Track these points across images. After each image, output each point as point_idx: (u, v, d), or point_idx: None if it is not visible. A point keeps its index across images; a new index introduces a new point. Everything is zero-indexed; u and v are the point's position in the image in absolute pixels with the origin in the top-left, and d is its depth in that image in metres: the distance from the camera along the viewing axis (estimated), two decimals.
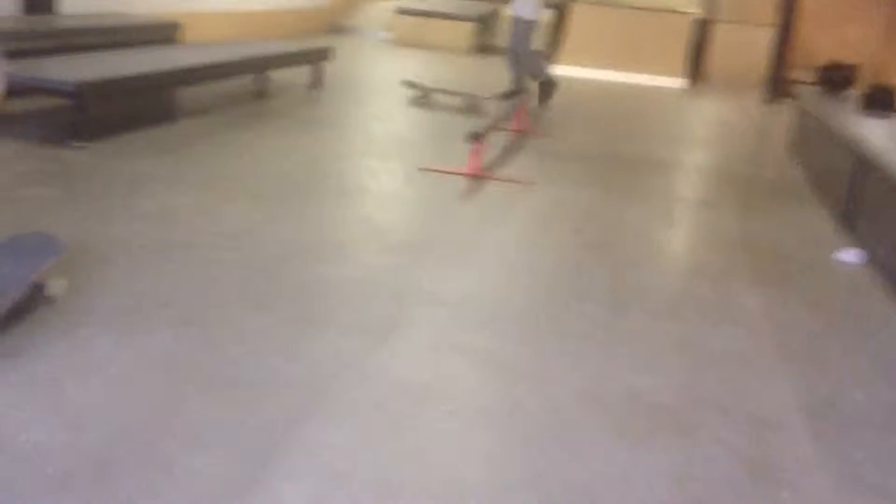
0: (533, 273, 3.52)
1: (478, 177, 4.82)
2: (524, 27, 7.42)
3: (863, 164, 4.27)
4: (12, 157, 4.17)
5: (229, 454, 2.01)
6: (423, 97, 7.33)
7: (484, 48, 11.93)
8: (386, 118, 6.63)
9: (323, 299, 3.01)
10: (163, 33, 7.14)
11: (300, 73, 7.51)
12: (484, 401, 2.42)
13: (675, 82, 10.28)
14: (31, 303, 2.49)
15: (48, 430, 2.03)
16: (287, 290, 3.05)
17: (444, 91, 7.33)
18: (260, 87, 7.12)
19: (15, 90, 4.73)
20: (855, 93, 6.33)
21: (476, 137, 4.85)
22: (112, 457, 1.95)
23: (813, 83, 6.93)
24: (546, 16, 11.85)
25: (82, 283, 2.90)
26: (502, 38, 12.34)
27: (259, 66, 6.91)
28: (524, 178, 4.89)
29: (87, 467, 1.90)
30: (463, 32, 11.71)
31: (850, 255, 3.99)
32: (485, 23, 12.36)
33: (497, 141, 5.68)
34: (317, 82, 7.53)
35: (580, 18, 11.34)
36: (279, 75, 7.33)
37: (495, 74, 10.26)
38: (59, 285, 2.64)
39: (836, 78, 6.64)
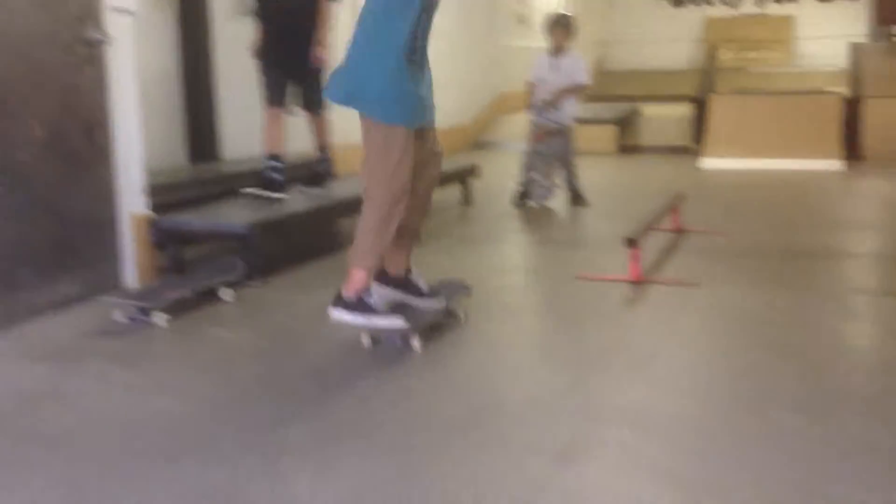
0: (713, 381, 3.42)
1: (639, 282, 4.76)
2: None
3: None
4: (195, 301, 4.42)
5: None
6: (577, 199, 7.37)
7: (626, 148, 11.97)
8: (537, 229, 6.68)
9: (504, 421, 3.00)
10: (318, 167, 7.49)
11: (450, 192, 7.70)
12: None
13: (831, 165, 9.93)
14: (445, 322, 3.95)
15: None
16: (480, 413, 3.07)
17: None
18: None
19: (189, 238, 5.07)
20: None
21: (632, 242, 4.80)
22: None
23: None
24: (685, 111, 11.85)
25: (276, 418, 3.02)
26: (644, 137, 12.41)
27: None
28: (689, 280, 4.79)
29: None
30: (606, 135, 11.79)
31: None
32: (625, 124, 12.43)
33: (655, 242, 5.61)
34: (467, 199, 7.70)
35: (722, 110, 11.24)
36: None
37: (642, 173, 10.25)
38: (463, 313, 4.09)
39: None
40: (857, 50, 12.96)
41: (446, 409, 3.12)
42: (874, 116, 10.64)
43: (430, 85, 3.67)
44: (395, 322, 3.67)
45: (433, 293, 3.91)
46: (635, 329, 4.11)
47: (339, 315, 3.68)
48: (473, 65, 12.75)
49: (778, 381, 3.34)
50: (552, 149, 7.34)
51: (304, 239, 6.00)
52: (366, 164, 3.59)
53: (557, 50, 7.31)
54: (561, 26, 7.39)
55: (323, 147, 6.18)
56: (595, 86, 17.80)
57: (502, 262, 5.65)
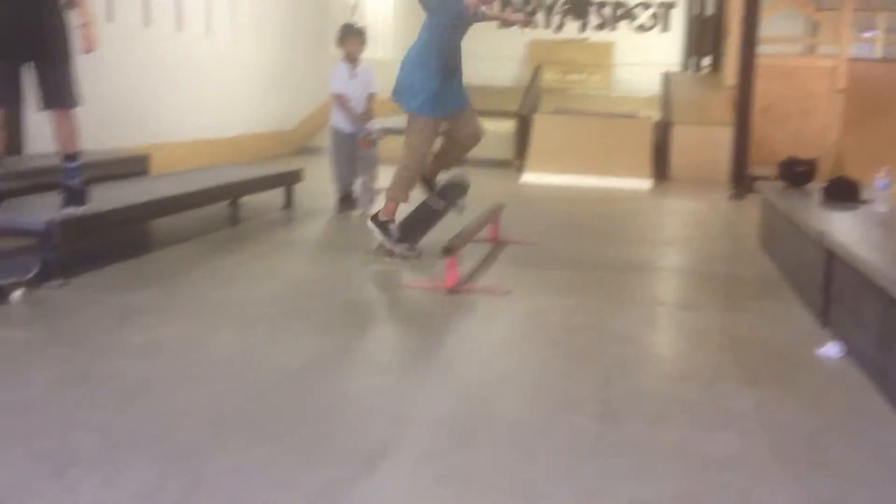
0: (519, 387, 3.50)
1: (455, 290, 4.83)
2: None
3: (832, 258, 4.34)
4: None
5: None
6: None
7: None
8: (361, 236, 6.67)
9: (314, 425, 2.96)
10: (133, 166, 7.21)
11: (273, 196, 7.58)
12: None
13: (642, 184, 10.49)
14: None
15: None
16: (278, 417, 3.01)
17: None
18: (234, 211, 7.18)
19: None
20: (817, 186, 6.44)
21: (450, 251, 4.87)
22: None
23: (775, 178, 7.07)
24: (509, 126, 12.18)
25: (69, 424, 2.85)
26: None
27: (232, 192, 6.98)
28: (501, 289, 4.91)
29: None
30: None
31: (831, 350, 4.00)
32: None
33: (473, 252, 5.72)
34: (289, 204, 7.60)
35: (544, 128, 11.65)
36: (252, 199, 7.40)
37: None
38: (462, 205, 6.11)
39: (796, 172, 6.78)
40: (668, 78, 13.75)
41: (248, 414, 3.05)
42: (680, 140, 11.35)
43: (460, 81, 5.56)
44: (400, 248, 5.55)
45: (442, 193, 5.95)
46: (447, 335, 4.16)
47: (373, 227, 5.52)
48: (299, 71, 12.63)
49: (579, 386, 3.46)
50: (370, 156, 7.40)
51: (112, 239, 5.73)
52: (408, 144, 5.44)
53: (353, 60, 7.35)
54: (357, 35, 7.43)
55: (71, 154, 4.91)
56: None
57: (327, 270, 5.59)
